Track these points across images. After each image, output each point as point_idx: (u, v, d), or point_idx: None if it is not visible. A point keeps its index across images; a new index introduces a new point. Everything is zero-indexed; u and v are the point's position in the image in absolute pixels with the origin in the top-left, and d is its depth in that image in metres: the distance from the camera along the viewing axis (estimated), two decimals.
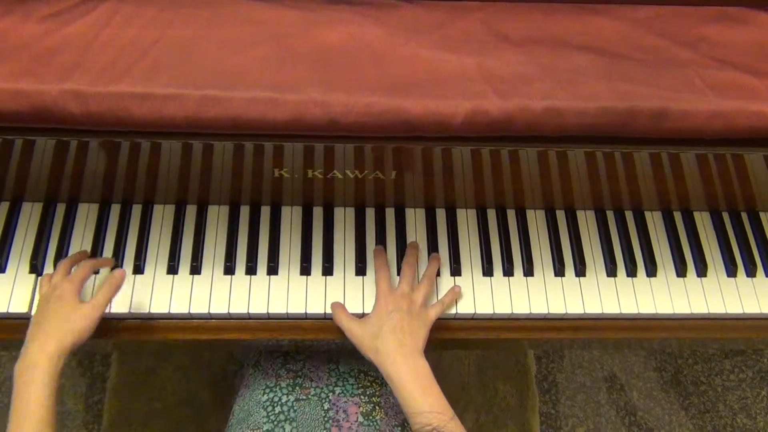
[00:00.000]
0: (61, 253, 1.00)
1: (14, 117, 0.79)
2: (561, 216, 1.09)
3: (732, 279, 1.06)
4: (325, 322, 1.00)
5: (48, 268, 0.99)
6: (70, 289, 0.90)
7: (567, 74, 0.85)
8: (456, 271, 1.03)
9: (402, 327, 0.92)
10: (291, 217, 1.06)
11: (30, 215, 1.03)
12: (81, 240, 1.02)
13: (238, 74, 0.82)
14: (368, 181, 1.00)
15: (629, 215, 1.10)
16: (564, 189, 1.04)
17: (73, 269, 0.95)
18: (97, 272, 0.99)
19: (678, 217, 1.10)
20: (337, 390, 1.05)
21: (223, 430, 1.05)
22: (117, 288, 0.93)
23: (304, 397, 1.03)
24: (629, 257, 1.05)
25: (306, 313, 0.99)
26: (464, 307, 1.01)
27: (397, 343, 0.91)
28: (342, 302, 0.99)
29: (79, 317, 0.88)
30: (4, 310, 0.96)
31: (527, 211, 1.09)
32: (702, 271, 1.06)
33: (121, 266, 1.00)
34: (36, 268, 0.99)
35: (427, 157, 0.94)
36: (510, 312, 1.01)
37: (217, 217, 1.05)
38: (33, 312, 0.91)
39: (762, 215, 1.12)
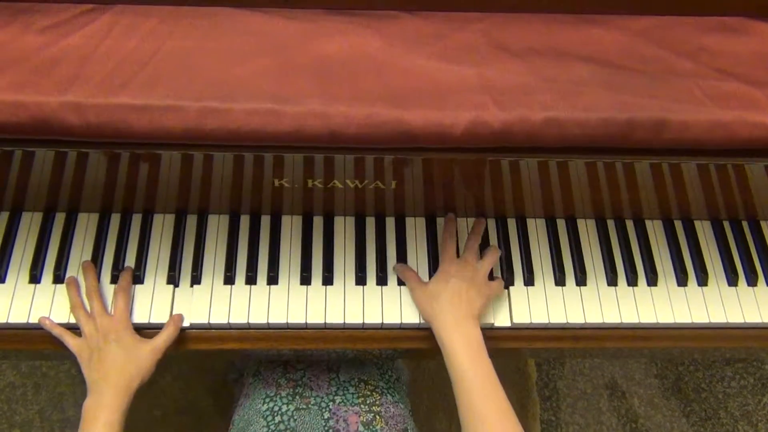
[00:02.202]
0: (60, 263, 1.00)
1: (14, 129, 0.79)
2: (561, 225, 1.09)
3: (733, 288, 1.05)
4: (326, 332, 1.00)
5: (47, 278, 0.99)
6: (125, 330, 0.93)
7: (567, 85, 0.84)
8: None
9: (460, 293, 0.93)
10: (291, 227, 1.06)
11: (30, 225, 1.03)
12: (81, 250, 1.02)
13: (237, 86, 0.82)
14: (368, 191, 1.00)
15: (630, 224, 1.10)
16: (564, 198, 1.04)
17: (109, 302, 0.97)
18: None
19: (679, 225, 1.10)
20: (338, 399, 1.04)
21: None
22: (177, 331, 0.96)
23: (305, 407, 1.03)
24: (630, 266, 1.05)
25: (306, 323, 0.99)
26: None
27: (453, 308, 0.92)
28: (342, 312, 0.99)
29: (143, 360, 0.91)
30: (4, 320, 0.96)
31: (527, 219, 1.09)
32: (703, 280, 1.05)
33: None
34: (35, 278, 0.99)
35: (427, 167, 0.94)
36: (510, 322, 1.00)
37: (217, 226, 1.05)
38: (73, 343, 0.93)
39: (763, 224, 1.12)
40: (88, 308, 0.95)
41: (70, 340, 0.94)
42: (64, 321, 0.96)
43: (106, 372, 0.89)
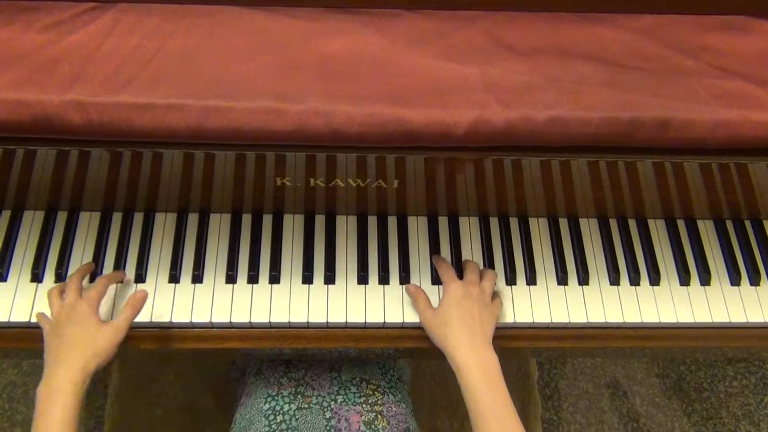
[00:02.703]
0: (62, 261, 1.00)
1: (16, 127, 0.79)
2: (564, 224, 1.09)
3: (735, 287, 1.05)
4: (328, 331, 1.00)
5: (49, 277, 0.99)
6: (89, 311, 0.89)
7: (570, 84, 0.84)
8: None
9: (472, 314, 0.92)
10: (293, 226, 1.06)
11: (31, 224, 1.03)
12: (82, 249, 1.01)
13: (240, 84, 0.82)
14: (370, 190, 1.00)
15: (632, 224, 1.10)
16: (567, 198, 1.04)
17: (84, 285, 0.94)
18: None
19: (681, 225, 1.10)
20: (339, 399, 1.04)
21: None
22: (139, 309, 0.92)
23: (306, 406, 1.03)
24: (632, 266, 1.05)
25: (308, 322, 0.99)
26: None
27: (468, 331, 0.90)
28: (344, 311, 0.99)
29: (102, 340, 0.87)
30: (6, 319, 0.96)
31: (530, 219, 1.09)
32: (705, 279, 1.05)
33: None
34: (37, 277, 0.99)
35: (429, 166, 0.94)
36: (513, 321, 1.00)
37: (219, 225, 1.05)
38: (44, 329, 0.89)
39: (766, 223, 1.11)
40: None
41: (43, 324, 0.90)
42: None
43: (62, 352, 0.85)
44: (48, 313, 0.92)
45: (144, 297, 0.93)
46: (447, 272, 0.98)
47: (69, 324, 0.88)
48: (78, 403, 0.83)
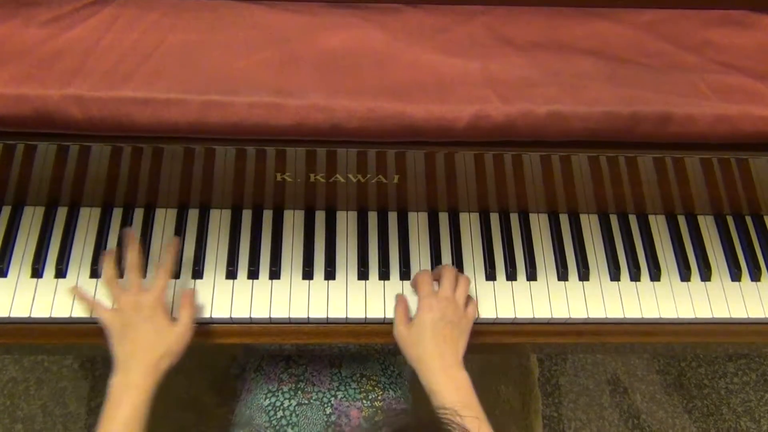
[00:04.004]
0: (62, 257, 1.00)
1: (16, 122, 0.79)
2: (564, 220, 1.09)
3: (736, 283, 1.05)
4: (328, 327, 1.00)
5: (49, 273, 0.99)
6: (161, 309, 0.90)
7: (571, 79, 0.84)
8: None
9: (444, 336, 0.91)
10: (293, 221, 1.06)
11: (32, 219, 1.03)
12: (83, 244, 1.01)
13: (240, 79, 0.82)
14: (371, 186, 1.00)
15: (633, 219, 1.09)
16: (567, 193, 1.04)
17: (142, 278, 0.94)
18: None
19: (682, 220, 1.10)
20: (339, 394, 1.04)
21: None
22: (193, 306, 0.94)
23: (306, 402, 1.03)
24: (633, 261, 1.05)
25: (308, 318, 0.99)
26: None
27: (439, 354, 0.89)
28: (344, 306, 0.99)
29: (174, 340, 0.89)
30: (6, 315, 0.96)
31: (530, 214, 1.09)
32: (706, 275, 1.05)
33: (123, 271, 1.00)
34: (37, 273, 0.99)
35: (430, 161, 0.93)
36: (513, 316, 1.00)
37: (219, 221, 1.05)
38: (104, 318, 0.90)
39: (766, 219, 1.11)
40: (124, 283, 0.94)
41: (102, 312, 0.91)
42: (66, 315, 0.96)
43: (136, 349, 0.87)
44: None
45: (193, 292, 0.96)
46: (423, 287, 0.96)
47: (139, 320, 0.89)
48: (148, 402, 0.84)
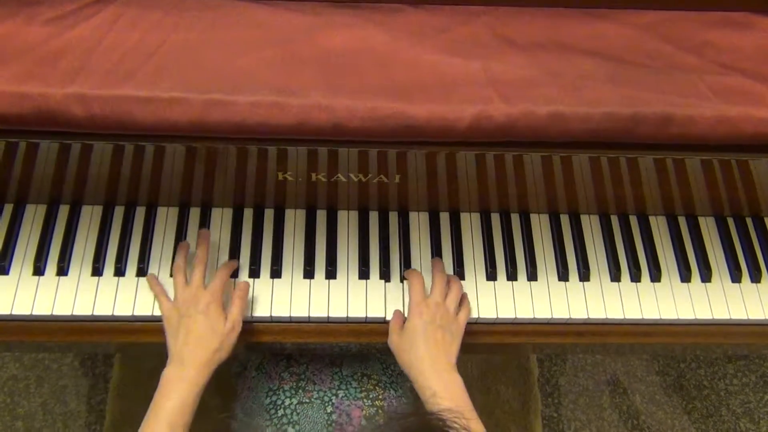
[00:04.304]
0: (64, 255, 1.00)
1: (18, 120, 0.79)
2: (565, 220, 1.09)
3: (736, 284, 1.05)
4: (329, 326, 1.00)
5: (51, 270, 0.99)
6: (216, 306, 0.92)
7: (572, 79, 0.84)
8: (459, 275, 1.03)
9: (435, 341, 0.91)
10: (294, 221, 1.06)
11: (33, 217, 1.03)
12: (84, 242, 1.02)
13: (242, 78, 0.82)
14: (372, 185, 1.00)
15: (633, 220, 1.10)
16: (568, 193, 1.04)
17: (199, 276, 0.95)
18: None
19: (682, 222, 1.10)
20: (341, 393, 1.05)
21: None
22: (245, 300, 0.96)
23: (307, 401, 1.03)
24: (633, 262, 1.05)
25: (309, 317, 0.99)
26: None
27: (430, 357, 0.90)
28: (345, 306, 0.99)
29: (226, 336, 0.91)
30: (8, 312, 0.96)
31: (531, 215, 1.09)
32: (706, 276, 1.05)
33: (124, 269, 1.00)
34: (39, 271, 0.99)
35: (431, 161, 0.94)
36: (514, 317, 1.01)
37: (221, 219, 1.05)
38: (164, 306, 0.94)
39: (767, 220, 1.11)
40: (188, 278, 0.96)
41: (163, 302, 0.94)
42: (68, 313, 0.96)
43: (191, 342, 0.88)
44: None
45: (248, 287, 0.97)
46: (415, 293, 0.96)
47: (198, 313, 0.90)
48: (198, 395, 0.86)
